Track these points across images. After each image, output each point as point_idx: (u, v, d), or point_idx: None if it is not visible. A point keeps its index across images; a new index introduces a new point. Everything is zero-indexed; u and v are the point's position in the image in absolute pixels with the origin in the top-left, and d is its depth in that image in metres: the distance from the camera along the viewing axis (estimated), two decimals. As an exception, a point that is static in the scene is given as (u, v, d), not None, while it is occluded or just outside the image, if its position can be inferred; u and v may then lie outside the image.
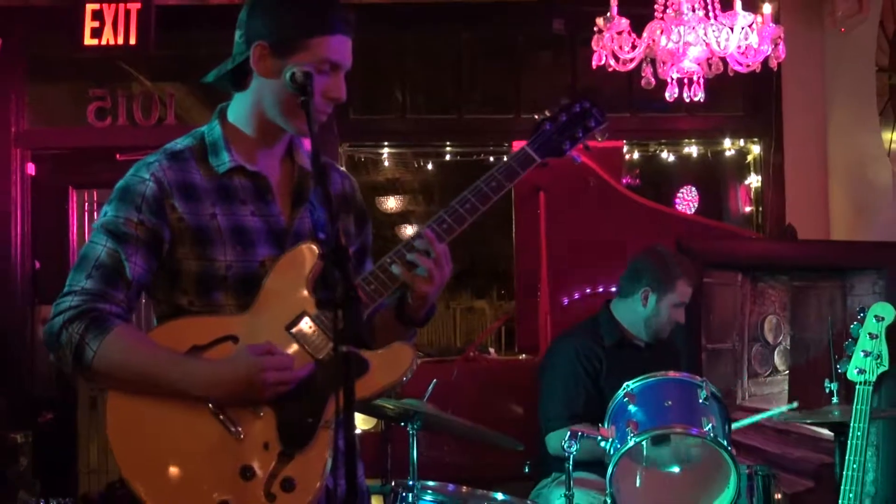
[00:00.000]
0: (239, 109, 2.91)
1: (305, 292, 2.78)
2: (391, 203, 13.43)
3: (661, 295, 5.29)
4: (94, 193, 8.70)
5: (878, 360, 4.20)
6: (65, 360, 2.72)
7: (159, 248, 2.78)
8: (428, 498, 4.60)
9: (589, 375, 5.22)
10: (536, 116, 3.08)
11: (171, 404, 2.69)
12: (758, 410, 6.13)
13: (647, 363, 5.17)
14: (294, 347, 2.74)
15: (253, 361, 2.66)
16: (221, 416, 2.69)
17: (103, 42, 7.52)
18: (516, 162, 2.96)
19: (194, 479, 2.67)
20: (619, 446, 4.29)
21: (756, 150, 8.41)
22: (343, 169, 3.15)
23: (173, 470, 2.68)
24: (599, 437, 4.36)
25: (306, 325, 2.76)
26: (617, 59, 6.21)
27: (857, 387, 4.22)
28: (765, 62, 6.16)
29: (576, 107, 3.09)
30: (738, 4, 6.04)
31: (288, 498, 2.66)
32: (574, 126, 3.07)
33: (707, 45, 5.98)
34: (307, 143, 2.94)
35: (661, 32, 6.03)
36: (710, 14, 6.05)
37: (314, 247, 2.80)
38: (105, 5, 7.48)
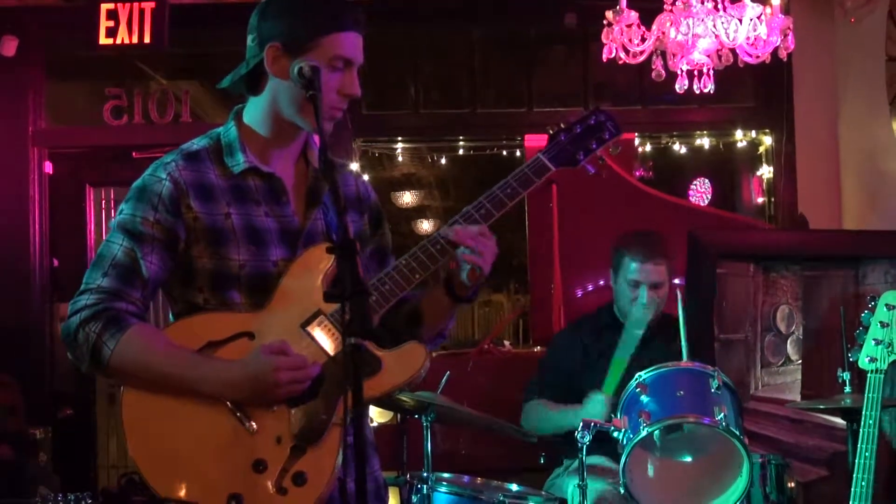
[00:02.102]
0: (254, 111, 2.95)
1: (321, 292, 2.78)
2: (406, 198, 13.43)
3: (616, 275, 5.46)
4: (111, 191, 8.74)
5: (890, 349, 4.22)
6: (82, 359, 2.77)
7: (175, 247, 2.83)
8: (443, 489, 4.64)
9: (564, 366, 5.46)
10: (550, 130, 3.12)
11: (186, 398, 2.73)
12: (770, 400, 6.15)
13: (636, 350, 5.27)
14: (309, 345, 2.78)
15: (266, 361, 2.69)
16: (236, 411, 2.72)
17: (118, 41, 7.55)
18: (531, 170, 3.01)
19: (207, 472, 2.71)
20: (631, 436, 4.31)
21: (768, 140, 8.41)
22: (357, 171, 3.19)
23: (186, 462, 2.72)
24: (612, 428, 4.40)
25: (322, 323, 2.80)
26: (627, 51, 6.23)
27: (869, 375, 4.23)
28: (774, 53, 6.18)
29: (591, 119, 3.14)
30: (746, -4, 6.06)
31: (299, 492, 2.70)
32: (589, 137, 3.12)
33: (716, 36, 5.99)
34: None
35: (671, 25, 6.05)
36: (719, 6, 6.06)
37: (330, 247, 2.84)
38: (119, 4, 7.51)
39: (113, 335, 2.72)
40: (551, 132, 3.12)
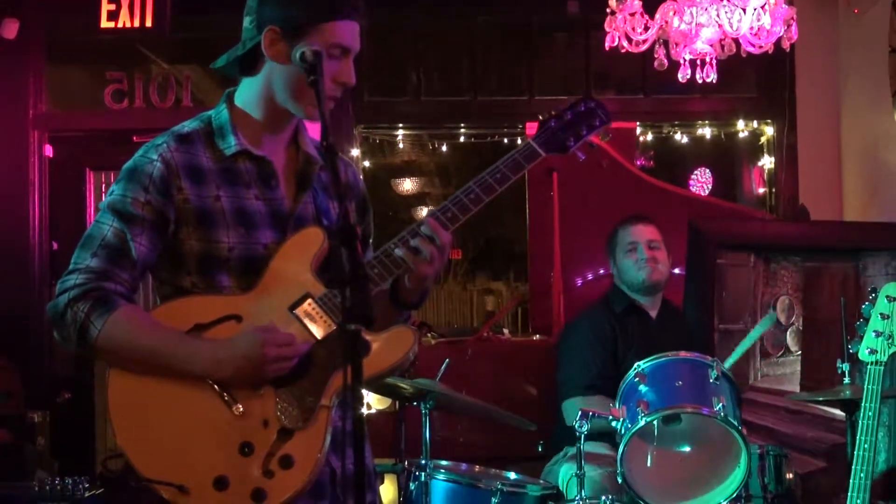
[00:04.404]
0: (247, 94, 2.96)
1: (310, 275, 2.82)
2: (407, 185, 13.44)
3: (613, 252, 5.58)
4: (112, 175, 8.71)
5: (890, 341, 4.20)
6: (68, 339, 2.76)
7: (165, 229, 2.83)
8: (441, 477, 4.64)
9: (604, 344, 5.37)
10: (540, 117, 3.16)
11: (173, 380, 2.73)
12: (770, 391, 6.16)
13: (655, 333, 5.28)
14: (297, 328, 2.78)
15: (253, 337, 2.70)
16: (223, 394, 2.72)
17: (120, 25, 7.54)
18: (521, 155, 3.05)
19: (193, 454, 2.70)
20: (629, 426, 4.32)
21: (769, 131, 8.40)
22: (346, 158, 3.19)
23: (172, 444, 2.72)
24: (610, 417, 4.39)
25: (310, 306, 2.80)
26: (630, 40, 6.23)
27: (868, 367, 4.21)
28: (777, 43, 6.17)
29: (581, 106, 3.18)
30: (750, -14, 6.05)
31: (286, 475, 2.69)
32: (579, 124, 3.16)
33: (719, 26, 6.00)
34: (313, 130, 2.99)
35: (674, 14, 6.05)
36: (723, -5, 6.06)
37: (320, 231, 2.85)
38: (121, -12, 7.53)
39: (101, 315, 2.72)
40: (542, 118, 3.15)
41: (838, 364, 4.62)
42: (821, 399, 5.23)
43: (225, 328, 2.77)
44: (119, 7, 7.53)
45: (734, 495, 4.32)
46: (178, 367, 2.72)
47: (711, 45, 6.16)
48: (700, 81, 6.36)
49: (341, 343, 2.32)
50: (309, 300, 2.80)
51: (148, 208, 2.81)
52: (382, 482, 5.06)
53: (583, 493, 4.38)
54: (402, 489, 4.80)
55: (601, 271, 7.28)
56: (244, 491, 2.67)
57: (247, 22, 2.91)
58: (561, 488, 4.92)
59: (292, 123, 2.99)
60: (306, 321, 2.79)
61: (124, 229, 2.80)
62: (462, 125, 8.87)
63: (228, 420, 2.71)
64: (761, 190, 8.71)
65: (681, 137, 8.99)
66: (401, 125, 8.87)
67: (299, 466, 2.70)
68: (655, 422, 4.33)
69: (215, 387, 2.72)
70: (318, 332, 2.79)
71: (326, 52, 2.80)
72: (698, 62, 6.27)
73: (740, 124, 8.55)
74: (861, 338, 4.24)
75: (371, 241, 3.19)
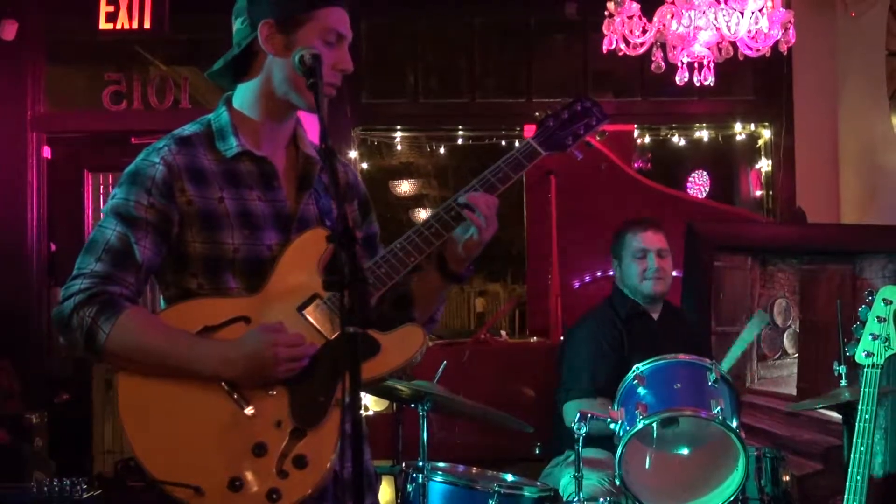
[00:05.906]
0: (244, 95, 2.96)
1: (317, 276, 2.82)
2: (405, 187, 13.43)
3: (621, 257, 5.50)
4: (110, 177, 8.72)
5: (886, 343, 4.20)
6: (75, 344, 2.75)
7: (168, 231, 2.82)
8: (438, 479, 4.63)
9: (612, 348, 5.31)
10: (538, 115, 3.19)
11: (183, 382, 2.72)
12: (767, 394, 6.17)
13: (659, 335, 5.26)
14: (306, 328, 2.78)
15: (263, 338, 2.70)
16: (234, 395, 2.72)
17: (118, 26, 7.55)
18: (522, 155, 3.07)
19: (206, 457, 2.70)
20: (628, 428, 4.32)
21: (767, 134, 8.40)
22: (344, 160, 3.20)
23: (185, 447, 2.71)
24: (609, 419, 4.39)
25: (318, 307, 2.81)
26: (627, 43, 6.24)
27: (865, 369, 4.21)
28: (775, 47, 6.18)
29: (577, 105, 3.21)
30: (748, -11, 6.06)
31: (300, 475, 2.69)
32: (576, 123, 3.19)
33: (717, 29, 6.01)
34: (311, 132, 3.00)
35: (672, 17, 6.06)
36: (721, -2, 6.07)
37: (324, 232, 2.82)
38: (120, -11, 7.53)
39: (108, 319, 2.71)
40: (539, 116, 3.18)
41: (835, 367, 4.62)
42: (819, 406, 5.24)
43: (234, 330, 2.77)
44: (118, 9, 7.54)
45: (732, 498, 4.32)
46: (187, 368, 2.72)
47: (709, 49, 6.17)
48: (698, 84, 6.36)
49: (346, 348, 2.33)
50: (317, 301, 2.81)
51: (151, 211, 2.80)
52: (380, 484, 5.06)
53: (581, 496, 4.38)
54: (400, 491, 4.80)
55: (598, 273, 7.30)
56: (259, 491, 2.68)
57: (238, 24, 2.93)
58: (561, 492, 4.92)
59: (291, 123, 3.00)
60: (315, 322, 2.80)
61: (128, 233, 2.79)
62: (460, 127, 8.85)
63: (240, 421, 2.71)
64: (758, 192, 8.71)
65: (678, 140, 8.99)
66: (399, 127, 8.86)
67: (313, 466, 2.71)
68: (654, 424, 4.34)
69: (226, 388, 2.72)
70: (327, 332, 2.79)
71: (323, 39, 2.84)
72: (696, 65, 6.28)
73: (738, 127, 8.55)
74: (858, 340, 4.25)
75: (378, 237, 3.20)
